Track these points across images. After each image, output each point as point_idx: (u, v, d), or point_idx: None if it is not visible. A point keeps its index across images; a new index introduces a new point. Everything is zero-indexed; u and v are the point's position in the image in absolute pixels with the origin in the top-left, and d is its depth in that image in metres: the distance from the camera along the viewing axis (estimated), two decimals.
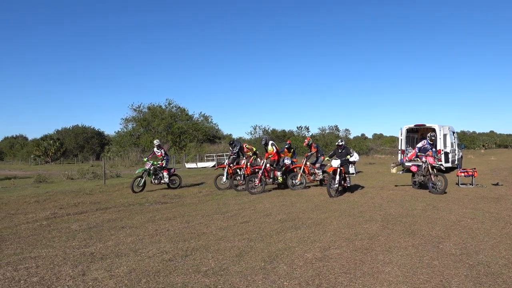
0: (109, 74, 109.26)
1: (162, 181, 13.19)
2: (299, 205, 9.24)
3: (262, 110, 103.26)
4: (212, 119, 53.70)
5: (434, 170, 11.23)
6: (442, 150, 17.26)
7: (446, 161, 17.48)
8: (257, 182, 11.67)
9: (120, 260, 4.83)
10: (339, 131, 55.72)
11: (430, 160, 11.15)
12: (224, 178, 13.09)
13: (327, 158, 11.93)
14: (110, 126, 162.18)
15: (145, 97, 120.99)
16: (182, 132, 46.68)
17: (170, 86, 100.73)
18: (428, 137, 11.66)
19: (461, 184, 12.48)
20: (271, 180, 12.35)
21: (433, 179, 10.88)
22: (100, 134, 64.77)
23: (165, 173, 13.15)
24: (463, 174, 12.65)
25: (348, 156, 10.94)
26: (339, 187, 10.74)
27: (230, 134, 53.59)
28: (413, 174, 11.97)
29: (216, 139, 50.31)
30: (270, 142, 13.03)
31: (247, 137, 50.49)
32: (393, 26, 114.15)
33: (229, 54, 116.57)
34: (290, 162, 12.80)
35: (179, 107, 50.48)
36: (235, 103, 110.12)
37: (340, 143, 11.25)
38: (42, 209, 9.24)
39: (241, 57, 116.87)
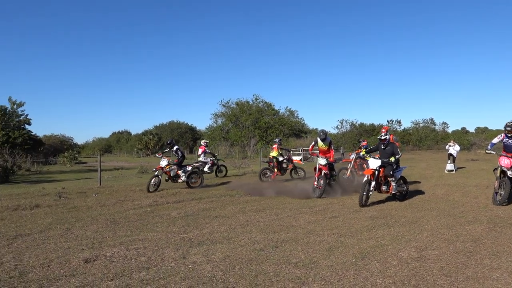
0: (200, 71, 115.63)
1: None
2: (391, 202, 8.83)
3: (350, 103, 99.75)
4: (298, 114, 53.68)
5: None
6: None
7: None
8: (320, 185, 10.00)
9: (215, 247, 5.15)
10: (435, 125, 51.65)
11: (506, 162, 8.25)
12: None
13: (362, 153, 9.84)
14: (201, 121, 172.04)
15: (234, 93, 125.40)
16: (268, 127, 47.47)
17: (257, 81, 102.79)
18: (509, 127, 8.38)
19: None
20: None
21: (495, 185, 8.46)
22: (192, 129, 68.97)
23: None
24: None
25: (393, 158, 8.66)
26: (381, 192, 9.00)
27: (316, 128, 52.96)
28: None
29: (302, 134, 50.21)
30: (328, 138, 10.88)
31: (334, 131, 49.51)
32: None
33: (315, 49, 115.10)
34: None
35: (266, 102, 51.36)
36: (322, 97, 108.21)
37: (383, 137, 9.00)
38: (145, 197, 10.22)
39: (328, 51, 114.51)
